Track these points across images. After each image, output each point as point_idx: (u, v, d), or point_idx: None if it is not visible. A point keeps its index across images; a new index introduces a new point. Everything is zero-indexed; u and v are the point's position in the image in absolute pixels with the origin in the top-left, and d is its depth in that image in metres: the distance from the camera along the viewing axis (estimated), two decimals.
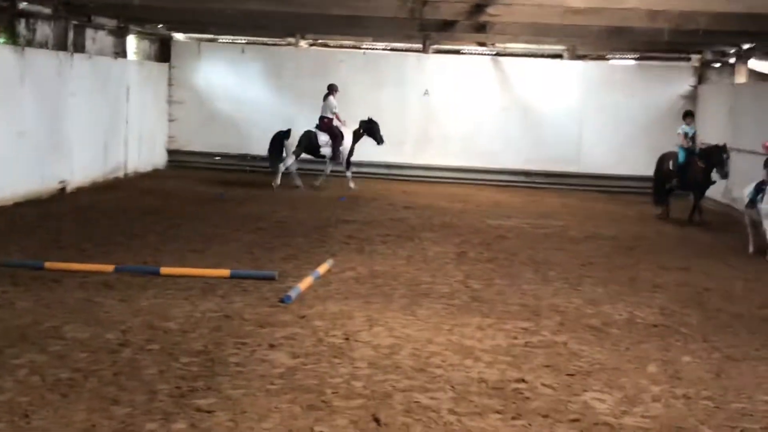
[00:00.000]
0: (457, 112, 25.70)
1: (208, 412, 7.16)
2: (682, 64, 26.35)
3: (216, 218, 17.24)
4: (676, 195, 20.28)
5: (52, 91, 19.15)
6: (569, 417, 7.44)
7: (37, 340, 8.89)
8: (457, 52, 26.97)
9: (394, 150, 23.88)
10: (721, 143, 18.89)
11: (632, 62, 26.97)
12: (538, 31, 22.17)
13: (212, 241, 14.92)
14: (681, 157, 19.29)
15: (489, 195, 23.35)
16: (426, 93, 25.79)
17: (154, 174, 24.68)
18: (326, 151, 22.75)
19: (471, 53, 26.85)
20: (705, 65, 25.76)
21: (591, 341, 9.85)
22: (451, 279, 12.80)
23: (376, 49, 27.31)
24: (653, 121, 25.32)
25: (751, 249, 16.06)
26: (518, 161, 25.71)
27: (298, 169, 23.13)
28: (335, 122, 22.67)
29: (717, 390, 8.34)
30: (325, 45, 27.57)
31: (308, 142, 22.55)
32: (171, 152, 26.32)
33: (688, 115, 19.83)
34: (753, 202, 15.85)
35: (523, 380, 8.32)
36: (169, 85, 26.27)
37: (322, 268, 12.70)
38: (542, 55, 26.83)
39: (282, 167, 22.77)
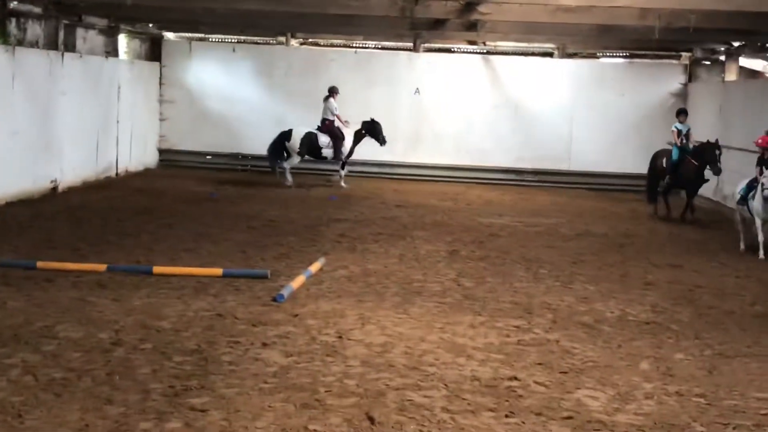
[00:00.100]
0: (448, 110, 25.71)
1: (202, 411, 7.17)
2: (673, 62, 26.41)
3: (208, 217, 17.23)
4: (673, 193, 20.28)
5: (43, 91, 19.12)
6: (562, 415, 7.46)
7: (30, 339, 8.88)
8: (448, 50, 26.97)
9: (385, 149, 23.84)
10: (713, 140, 18.88)
11: (622, 60, 27.01)
12: (528, 30, 22.19)
13: (204, 240, 14.92)
14: (674, 154, 19.31)
15: (480, 193, 23.37)
16: (417, 92, 25.80)
17: (146, 173, 24.65)
18: (328, 152, 22.79)
19: (462, 52, 26.85)
20: (695, 63, 25.82)
21: (583, 339, 9.88)
22: (443, 277, 12.82)
23: (367, 47, 27.29)
24: (643, 119, 25.39)
25: (741, 246, 16.11)
26: (509, 159, 25.72)
27: (295, 168, 23.21)
28: (336, 123, 22.69)
29: (709, 387, 8.37)
30: (316, 44, 27.55)
31: (309, 144, 22.59)
32: (162, 151, 26.28)
33: (682, 113, 19.83)
34: (744, 200, 15.88)
35: (515, 378, 8.34)
36: (160, 84, 26.23)
37: (315, 267, 12.71)
38: (533, 54, 26.86)
39: (287, 166, 22.91)
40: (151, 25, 25.73)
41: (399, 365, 8.58)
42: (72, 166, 20.47)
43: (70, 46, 21.22)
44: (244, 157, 26.02)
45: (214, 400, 7.41)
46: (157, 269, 12.14)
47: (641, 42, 24.14)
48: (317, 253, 14.06)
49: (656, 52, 26.30)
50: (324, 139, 22.66)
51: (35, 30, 19.78)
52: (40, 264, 12.05)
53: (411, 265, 13.58)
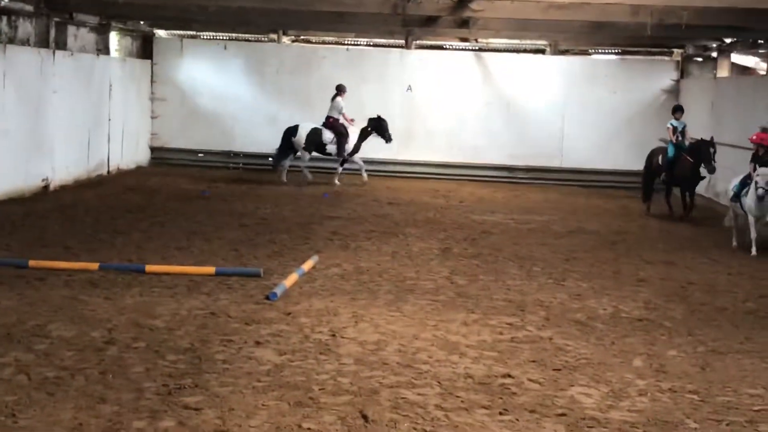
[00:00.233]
0: (441, 107, 25.70)
1: (196, 409, 7.16)
2: (665, 58, 26.45)
3: (200, 216, 17.21)
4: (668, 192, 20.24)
5: (34, 89, 19.07)
6: (556, 412, 7.47)
7: (23, 338, 8.87)
8: (440, 47, 26.97)
9: (377, 146, 23.82)
10: (708, 137, 18.87)
11: (615, 57, 27.03)
12: (520, 27, 22.18)
13: (197, 238, 14.91)
14: (670, 152, 19.30)
15: (472, 190, 23.37)
16: (409, 89, 25.78)
17: (138, 171, 24.61)
18: (331, 148, 22.82)
19: (454, 49, 26.84)
20: (687, 59, 25.85)
21: (576, 336, 9.89)
22: (436, 275, 12.83)
23: (359, 45, 27.27)
24: (636, 116, 25.42)
25: (734, 243, 16.13)
26: (501, 156, 25.72)
27: (292, 166, 23.27)
28: (341, 121, 22.72)
29: (702, 383, 8.38)
30: (308, 41, 27.51)
31: (315, 139, 22.64)
32: (154, 149, 26.23)
33: (678, 110, 19.79)
34: (737, 197, 15.90)
35: (509, 375, 8.34)
36: (152, 82, 26.18)
37: (307, 265, 12.70)
38: (525, 51, 26.86)
39: (302, 165, 22.99)
40: (142, 22, 25.68)
41: (392, 363, 8.58)
42: (64, 165, 20.43)
43: (61, 44, 21.17)
44: (236, 154, 26.01)
45: (208, 399, 7.41)
46: (149, 268, 12.12)
47: (633, 39, 24.16)
48: (310, 251, 14.05)
49: (648, 49, 26.34)
50: (328, 135, 22.72)
51: (26, 28, 19.73)
52: (32, 263, 12.03)
53: (404, 263, 13.58)
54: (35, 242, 13.96)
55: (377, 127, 23.11)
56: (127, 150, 24.35)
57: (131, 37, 25.89)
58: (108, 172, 23.12)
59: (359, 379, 8.06)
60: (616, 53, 27.02)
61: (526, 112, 25.70)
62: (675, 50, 26.06)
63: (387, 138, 23.18)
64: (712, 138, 18.65)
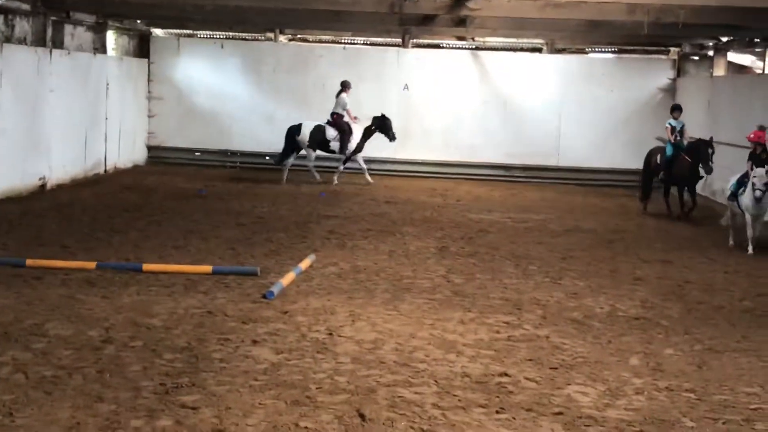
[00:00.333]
0: (437, 106, 25.70)
1: (193, 408, 7.17)
2: (661, 57, 26.47)
3: (197, 214, 17.21)
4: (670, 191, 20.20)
5: (31, 88, 19.06)
6: (553, 410, 7.48)
7: (20, 337, 8.87)
8: (437, 46, 26.98)
9: (374, 145, 23.80)
10: (706, 137, 18.85)
11: (611, 56, 27.05)
12: (517, 25, 22.20)
13: (194, 237, 14.91)
14: (668, 151, 19.28)
15: (469, 189, 23.38)
16: (406, 87, 25.78)
17: (134, 170, 24.59)
18: (335, 145, 22.85)
19: (451, 47, 26.85)
20: (684, 58, 25.88)
21: (573, 335, 9.90)
22: (433, 274, 12.84)
23: (356, 44, 27.28)
24: (632, 115, 25.45)
25: (731, 242, 16.15)
26: (498, 155, 25.73)
27: (297, 166, 23.32)
28: (345, 118, 22.74)
29: (699, 382, 8.40)
30: (305, 40, 27.52)
31: (318, 137, 22.68)
32: (151, 148, 26.21)
33: (676, 109, 19.73)
34: (734, 196, 15.91)
35: (506, 374, 8.35)
36: (149, 80, 26.17)
37: (304, 264, 12.70)
38: (521, 49, 26.86)
39: (309, 164, 23.11)
40: (139, 21, 25.68)
41: (389, 362, 8.59)
42: (61, 164, 20.42)
43: (58, 43, 21.16)
44: (233, 153, 26.01)
45: (205, 398, 7.41)
46: (146, 266, 12.13)
47: (630, 37, 24.18)
48: (307, 249, 14.06)
49: (645, 48, 26.36)
50: (331, 133, 22.77)
51: (23, 27, 19.71)
52: (29, 261, 12.04)
53: (401, 262, 13.59)
54: (32, 241, 13.96)
55: (381, 125, 23.14)
56: (124, 149, 24.35)
57: (128, 35, 25.87)
58: (105, 171, 23.11)
59: (356, 378, 8.07)
60: (612, 52, 27.06)
61: (523, 110, 25.71)
62: (672, 49, 26.09)
63: (391, 137, 23.21)
64: (711, 138, 18.61)
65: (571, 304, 11.32)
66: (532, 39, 26.16)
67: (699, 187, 20.22)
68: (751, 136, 16.27)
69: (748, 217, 15.56)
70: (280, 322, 9.83)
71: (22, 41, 19.60)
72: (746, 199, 15.45)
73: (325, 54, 26.29)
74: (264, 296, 10.87)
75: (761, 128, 16.59)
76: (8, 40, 19.03)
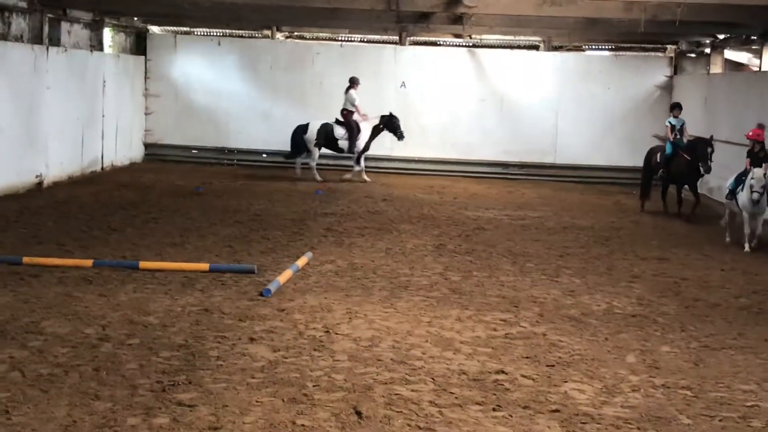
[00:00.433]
0: (434, 104, 25.70)
1: (190, 406, 7.17)
2: (658, 54, 26.49)
3: (194, 212, 17.20)
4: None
5: (27, 85, 19.04)
6: (549, 408, 7.50)
7: (17, 335, 8.87)
8: (434, 43, 26.97)
9: (371, 142, 23.80)
10: (705, 135, 18.82)
11: (608, 53, 27.03)
12: (514, 23, 22.21)
13: (191, 234, 14.91)
14: (668, 149, 19.26)
15: (466, 186, 23.38)
16: (403, 85, 25.77)
17: (131, 168, 24.58)
18: (343, 144, 22.88)
19: (447, 45, 26.85)
20: (680, 55, 25.89)
21: (570, 332, 9.91)
22: (430, 271, 12.84)
23: (353, 41, 27.27)
24: (629, 112, 25.47)
25: (727, 239, 16.16)
26: (495, 153, 25.73)
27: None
28: (355, 115, 22.76)
29: (695, 379, 8.41)
30: (302, 37, 27.51)
31: (325, 135, 22.71)
32: (148, 146, 26.19)
33: (676, 108, 19.67)
34: (733, 194, 15.91)
35: (503, 371, 8.36)
36: (146, 78, 26.15)
37: (301, 261, 12.71)
38: (518, 47, 26.86)
39: (312, 164, 23.13)
40: (136, 18, 25.66)
41: (386, 359, 8.60)
42: (57, 161, 20.40)
43: (54, 40, 21.13)
44: (230, 151, 26.01)
45: (202, 395, 7.42)
46: (143, 264, 12.13)
47: (627, 35, 24.20)
48: (304, 247, 14.07)
49: (642, 45, 26.38)
50: (340, 131, 22.82)
51: (20, 24, 19.69)
52: (26, 259, 12.03)
53: (398, 259, 13.60)
54: (29, 239, 13.95)
55: (389, 124, 23.17)
56: (120, 146, 24.33)
57: (125, 33, 25.85)
58: (102, 168, 23.10)
59: (353, 376, 8.08)
60: (609, 49, 27.04)
61: (520, 108, 25.71)
62: (668, 46, 26.11)
63: (399, 135, 23.25)
64: (711, 137, 18.56)
65: (568, 302, 11.33)
66: (529, 37, 26.17)
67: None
68: (750, 133, 16.28)
69: (745, 215, 15.58)
70: (277, 320, 9.84)
71: (18, 38, 19.58)
72: (744, 197, 15.45)
73: (322, 51, 26.29)
74: (261, 294, 10.88)
75: (760, 126, 16.60)
76: (5, 37, 19.01)
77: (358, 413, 7.16)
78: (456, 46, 26.64)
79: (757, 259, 14.86)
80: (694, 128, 19.72)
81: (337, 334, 9.41)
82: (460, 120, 25.71)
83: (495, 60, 25.97)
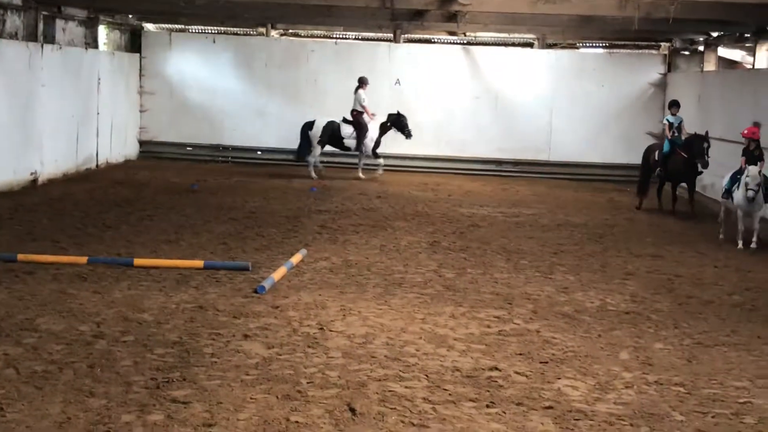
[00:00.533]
0: (429, 101, 25.69)
1: (184, 403, 7.18)
2: (652, 52, 26.53)
3: (189, 209, 17.20)
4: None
5: (22, 83, 19.02)
6: (543, 404, 7.51)
7: (11, 332, 8.87)
8: (428, 41, 26.98)
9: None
10: (700, 132, 18.83)
11: (602, 51, 27.06)
12: (508, 20, 22.22)
13: (185, 231, 14.91)
14: (666, 147, 19.25)
15: (460, 184, 23.40)
16: (397, 82, 25.78)
17: (126, 165, 24.56)
18: (350, 142, 22.90)
19: (442, 42, 26.86)
20: (674, 53, 25.93)
21: (564, 329, 9.94)
22: (424, 268, 12.86)
23: (348, 38, 27.27)
24: (623, 109, 25.50)
25: (720, 236, 16.19)
26: (489, 150, 25.75)
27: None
28: (364, 115, 22.79)
29: (688, 376, 8.44)
30: (296, 35, 27.50)
31: (331, 134, 22.74)
32: (143, 143, 26.19)
33: (674, 105, 19.64)
34: (729, 193, 15.90)
35: (496, 368, 8.38)
36: (141, 75, 26.13)
37: (296, 259, 12.72)
38: (513, 44, 26.89)
39: (311, 159, 23.11)
40: (130, 16, 25.64)
41: (380, 356, 8.62)
42: (52, 158, 20.40)
43: (49, 38, 21.11)
44: (225, 148, 26.01)
45: (196, 392, 7.43)
46: (138, 261, 12.14)
47: (621, 32, 24.23)
48: (298, 244, 14.08)
49: (636, 43, 26.42)
50: (347, 130, 22.86)
51: (14, 21, 19.67)
52: (20, 256, 12.02)
53: (392, 256, 13.61)
54: (24, 236, 13.95)
55: (396, 122, 23.19)
56: (115, 144, 24.32)
57: (120, 30, 25.84)
58: (97, 165, 23.09)
59: (347, 373, 8.09)
60: (603, 47, 27.07)
61: (515, 105, 25.73)
62: (662, 44, 26.15)
63: (407, 134, 23.29)
64: (706, 133, 18.54)
65: (562, 299, 11.36)
66: (523, 34, 26.19)
67: None
68: (745, 132, 16.26)
69: (739, 213, 15.60)
70: (271, 317, 9.85)
71: (13, 36, 19.56)
72: (739, 196, 15.45)
73: (316, 49, 26.29)
74: (255, 291, 10.89)
75: (755, 124, 16.61)
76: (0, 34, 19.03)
77: (352, 410, 7.18)
78: (450, 43, 26.67)
79: (751, 256, 14.89)
80: (688, 126, 19.72)
81: (331, 331, 9.43)
82: (455, 117, 25.72)
83: (489, 57, 25.99)
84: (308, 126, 23.01)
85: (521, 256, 14.05)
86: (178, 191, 19.70)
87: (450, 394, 7.65)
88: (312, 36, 27.42)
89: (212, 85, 25.99)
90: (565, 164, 25.60)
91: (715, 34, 23.34)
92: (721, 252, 15.16)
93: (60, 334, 8.89)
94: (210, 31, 27.14)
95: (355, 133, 22.83)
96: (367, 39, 27.18)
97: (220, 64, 26.15)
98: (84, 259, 12.07)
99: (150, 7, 23.49)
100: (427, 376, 8.10)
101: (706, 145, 18.17)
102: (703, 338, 9.81)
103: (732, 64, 25.65)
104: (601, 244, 15.45)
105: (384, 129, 23.24)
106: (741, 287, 12.47)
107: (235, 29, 27.23)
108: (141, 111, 26.11)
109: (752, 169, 15.27)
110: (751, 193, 15.15)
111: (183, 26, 27.13)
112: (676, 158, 18.85)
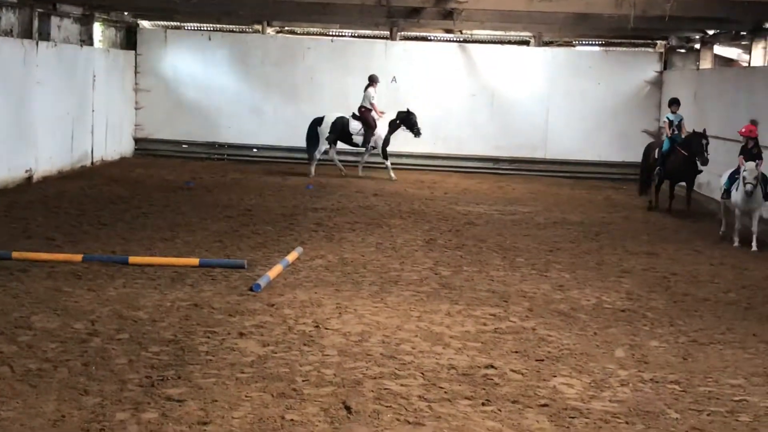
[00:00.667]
0: (425, 99, 25.63)
1: (179, 401, 7.17)
2: (648, 50, 26.52)
3: (184, 207, 17.19)
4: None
5: (17, 80, 18.99)
6: (538, 402, 7.51)
7: (6, 330, 8.86)
8: (425, 39, 26.97)
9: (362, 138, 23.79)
10: (699, 130, 18.83)
11: (598, 49, 27.05)
12: (505, 18, 22.21)
13: (181, 229, 14.89)
14: (665, 145, 19.23)
15: (457, 182, 23.40)
16: (394, 80, 25.75)
17: (122, 162, 24.52)
18: (358, 139, 22.91)
19: (438, 40, 26.84)
20: (670, 51, 25.92)
21: (559, 326, 9.93)
22: (420, 266, 12.85)
23: (344, 36, 27.25)
24: (619, 107, 25.49)
25: (722, 229, 16.14)
26: (486, 148, 25.73)
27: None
28: (372, 113, 22.79)
29: (684, 374, 8.44)
30: (292, 32, 27.46)
31: (341, 129, 22.73)
32: (138, 140, 26.15)
33: (674, 103, 19.58)
34: (728, 192, 15.86)
35: (492, 366, 8.38)
36: (136, 72, 26.09)
37: (291, 256, 12.71)
38: (509, 42, 26.88)
39: (317, 155, 23.10)
40: (126, 13, 25.60)
41: (376, 354, 8.61)
42: (47, 156, 20.36)
43: (44, 35, 21.07)
44: (221, 145, 25.98)
45: (191, 390, 7.42)
46: (133, 259, 12.12)
47: (617, 30, 24.21)
48: (294, 242, 14.07)
49: (632, 41, 26.41)
50: (355, 126, 22.84)
51: (9, 18, 19.64)
52: (15, 254, 12.00)
53: (388, 254, 13.60)
54: (19, 234, 13.93)
55: (406, 120, 23.16)
56: (110, 141, 24.28)
57: (115, 27, 25.80)
58: (92, 163, 23.05)
59: (342, 371, 8.09)
60: (599, 45, 27.06)
61: (511, 103, 25.72)
62: (658, 42, 26.14)
63: (416, 132, 23.23)
64: (704, 130, 18.50)
65: (558, 297, 11.36)
66: (519, 32, 26.17)
67: None
68: (743, 130, 16.18)
69: (737, 212, 15.59)
70: (266, 315, 9.84)
71: (8, 33, 19.52)
72: (738, 196, 15.40)
73: (312, 46, 26.25)
74: (251, 289, 10.88)
75: (753, 122, 16.58)
76: None
77: (348, 408, 7.17)
78: (447, 41, 26.63)
79: (747, 254, 14.90)
80: (683, 123, 19.73)
81: (326, 329, 9.42)
82: (451, 115, 25.70)
83: (486, 55, 25.96)
84: (317, 122, 22.99)
85: (517, 254, 14.05)
86: (174, 189, 19.67)
87: (445, 392, 7.65)
88: (308, 33, 27.37)
89: (208, 82, 25.96)
90: (562, 162, 25.60)
91: (711, 32, 23.34)
92: (716, 250, 15.16)
93: (54, 332, 8.88)
94: (206, 29, 27.07)
95: (362, 129, 22.82)
96: (364, 36, 27.14)
97: (215, 61, 26.11)
98: (79, 257, 12.05)
99: (145, 4, 23.47)
100: (422, 374, 8.10)
101: (705, 142, 18.15)
102: (698, 336, 9.81)
103: (728, 62, 25.66)
104: (597, 242, 15.45)
105: (393, 127, 23.21)
106: (737, 285, 12.48)
107: (230, 26, 27.17)
108: (136, 108, 26.07)
109: (750, 164, 15.24)
110: (749, 187, 15.07)
111: (178, 23, 27.06)
112: (675, 156, 18.82)
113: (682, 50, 25.71)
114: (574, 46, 27.27)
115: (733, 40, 23.11)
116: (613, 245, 15.18)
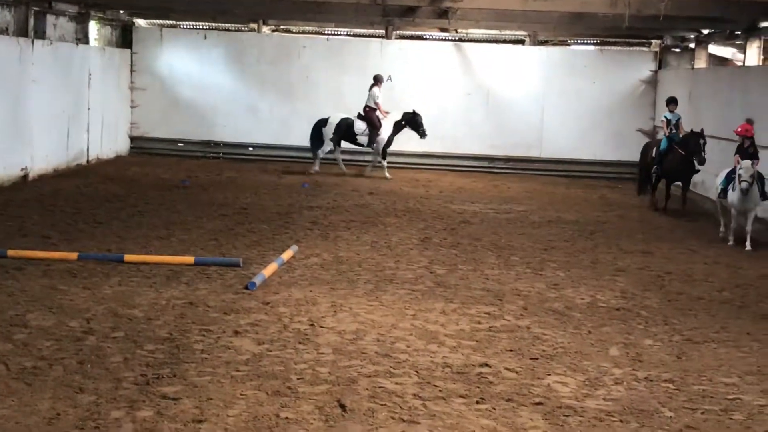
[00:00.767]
0: (421, 98, 25.60)
1: (174, 399, 7.18)
2: (643, 49, 26.55)
3: (180, 205, 17.19)
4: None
5: (13, 78, 18.97)
6: (533, 400, 7.53)
7: (1, 328, 8.87)
8: (420, 38, 26.98)
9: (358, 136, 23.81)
10: (696, 129, 18.85)
11: (593, 48, 27.08)
12: (500, 17, 22.24)
13: (176, 227, 14.89)
14: (663, 144, 19.22)
15: (452, 180, 23.41)
16: (389, 79, 25.72)
17: (117, 161, 24.50)
18: (363, 139, 22.90)
19: (434, 39, 26.84)
20: (665, 50, 25.95)
21: (554, 325, 9.95)
22: (415, 265, 12.87)
23: (339, 35, 27.25)
24: (614, 106, 25.49)
25: (722, 229, 16.14)
26: (481, 147, 25.74)
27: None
28: (377, 112, 22.78)
29: (678, 372, 8.46)
30: (288, 31, 27.46)
31: (345, 130, 22.72)
32: (134, 139, 26.13)
33: (672, 102, 19.55)
34: (725, 192, 15.84)
35: (486, 364, 8.40)
36: (132, 71, 26.07)
37: (287, 255, 12.72)
38: (504, 41, 26.88)
39: (320, 154, 23.12)
40: (122, 11, 25.59)
41: (371, 352, 8.62)
42: (43, 154, 20.34)
43: (40, 33, 21.06)
44: (216, 144, 25.96)
45: (186, 389, 7.43)
46: (128, 257, 12.13)
47: (612, 29, 24.25)
48: (289, 240, 14.08)
49: (627, 40, 26.44)
50: (360, 126, 22.84)
51: (5, 17, 19.63)
52: (10, 252, 12.01)
53: (383, 253, 13.62)
54: (14, 232, 13.93)
55: (411, 121, 23.16)
56: (106, 139, 24.26)
57: (111, 26, 25.78)
58: (87, 161, 23.03)
59: (337, 369, 8.10)
60: (595, 44, 27.09)
61: (506, 102, 25.72)
62: (653, 41, 26.17)
63: (421, 133, 23.21)
64: (702, 130, 18.50)
65: (552, 295, 11.38)
66: (514, 31, 26.19)
67: None
68: (739, 129, 16.15)
69: (733, 212, 15.60)
70: (261, 313, 9.85)
71: (4, 31, 19.50)
72: (734, 196, 15.39)
73: (308, 45, 26.24)
74: (246, 287, 10.89)
75: (749, 121, 16.59)
76: None
77: (342, 406, 7.19)
78: (442, 40, 26.62)
79: (741, 253, 14.92)
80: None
81: (321, 327, 9.44)
82: (446, 114, 25.68)
83: (481, 54, 25.97)
84: (322, 123, 22.99)
85: (512, 253, 14.07)
86: (169, 187, 19.67)
87: (440, 391, 7.67)
88: (304, 32, 27.37)
89: (203, 81, 25.94)
90: (557, 161, 25.62)
91: (705, 32, 23.38)
92: (711, 249, 15.19)
93: (50, 330, 8.89)
94: (201, 27, 27.06)
95: (367, 129, 22.82)
96: (359, 35, 27.15)
97: (211, 59, 26.09)
98: (74, 255, 12.06)
99: (141, 3, 23.44)
100: (417, 372, 8.11)
101: (702, 141, 18.14)
102: (692, 335, 9.83)
103: (723, 61, 25.70)
104: (592, 241, 15.47)
105: (398, 127, 23.21)
106: (731, 284, 12.51)
107: (226, 25, 27.16)
108: (132, 107, 26.05)
109: (745, 162, 15.25)
110: (744, 185, 15.06)
111: (174, 22, 27.04)
112: (673, 155, 18.80)
113: (677, 49, 25.74)
114: (569, 45, 27.30)
115: (727, 39, 23.16)
116: (608, 244, 15.20)
